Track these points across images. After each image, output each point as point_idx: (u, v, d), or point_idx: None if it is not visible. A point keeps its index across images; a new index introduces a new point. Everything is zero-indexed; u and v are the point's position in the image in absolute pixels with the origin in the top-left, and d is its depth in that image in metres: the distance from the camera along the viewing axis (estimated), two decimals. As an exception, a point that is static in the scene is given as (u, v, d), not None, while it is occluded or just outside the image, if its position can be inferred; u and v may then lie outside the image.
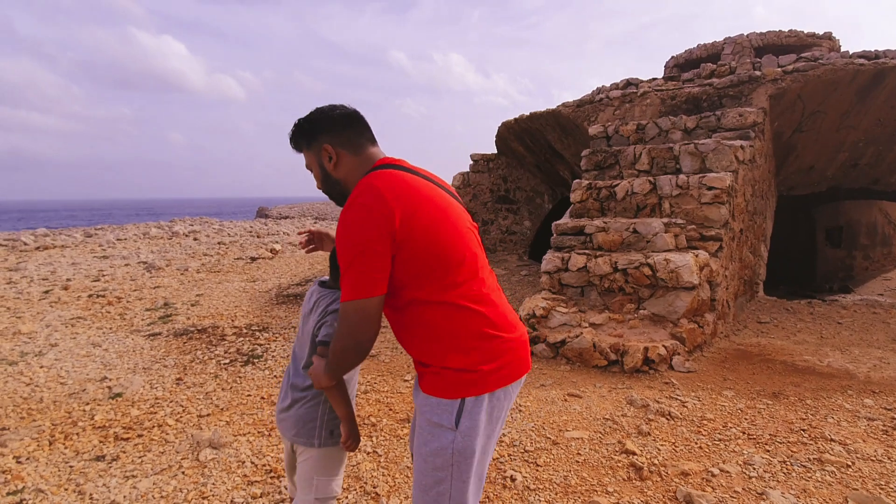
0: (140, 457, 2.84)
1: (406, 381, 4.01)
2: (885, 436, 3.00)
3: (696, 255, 4.69)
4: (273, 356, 4.64)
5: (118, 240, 14.02)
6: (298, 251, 13.09)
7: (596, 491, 2.45)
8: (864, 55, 7.20)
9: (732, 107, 6.38)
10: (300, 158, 1.57)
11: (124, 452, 2.89)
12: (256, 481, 2.57)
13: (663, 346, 4.15)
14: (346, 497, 2.42)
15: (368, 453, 2.83)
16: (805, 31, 9.29)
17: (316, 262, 10.56)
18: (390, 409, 3.43)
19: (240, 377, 4.12)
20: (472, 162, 12.11)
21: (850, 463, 2.67)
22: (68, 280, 7.99)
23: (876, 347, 4.86)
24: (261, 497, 2.43)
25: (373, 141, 1.53)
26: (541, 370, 4.23)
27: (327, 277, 1.70)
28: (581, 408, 3.43)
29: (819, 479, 2.53)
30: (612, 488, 2.47)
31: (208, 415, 3.39)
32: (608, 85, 9.09)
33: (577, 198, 5.83)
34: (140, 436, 3.10)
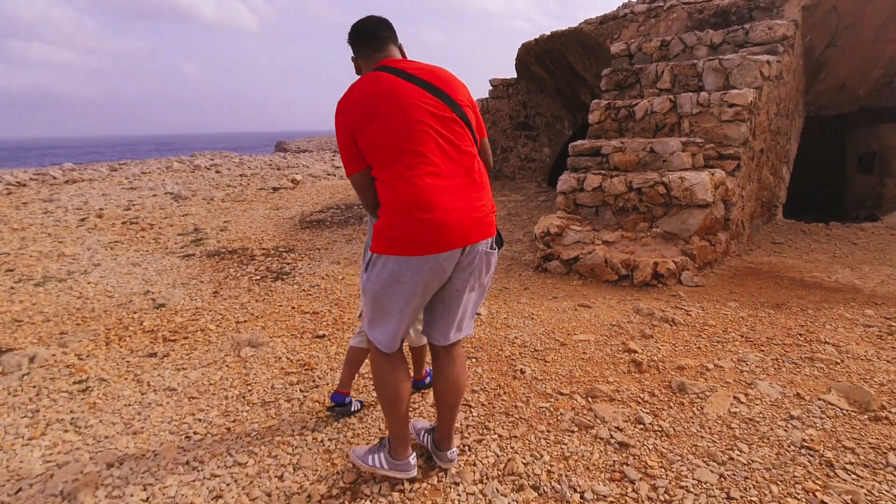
0: (188, 354, 3.18)
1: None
2: (879, 340, 3.16)
3: (713, 174, 4.71)
4: (301, 273, 4.93)
5: (143, 173, 14.35)
6: (320, 181, 13.26)
7: (597, 381, 2.69)
8: (913, -41, 6.67)
9: (762, 19, 6.09)
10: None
11: (173, 351, 3.23)
12: (292, 372, 2.88)
13: (673, 261, 4.28)
14: (371, 384, 2.71)
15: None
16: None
17: (336, 192, 10.75)
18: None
19: (271, 290, 4.43)
20: (491, 87, 11.85)
21: (839, 361, 2.85)
22: (101, 209, 8.35)
23: (887, 265, 4.92)
24: (297, 384, 2.74)
25: (380, 47, 1.83)
26: (554, 284, 4.44)
27: None
28: (590, 316, 3.65)
29: (807, 374, 2.73)
30: (612, 379, 2.71)
31: (245, 321, 3.71)
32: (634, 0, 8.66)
33: (595, 118, 5.78)
34: (185, 338, 3.43)
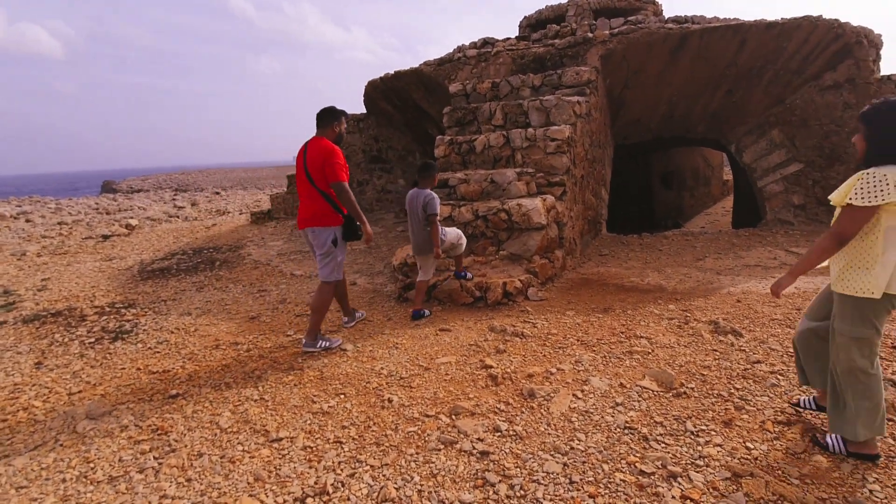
0: (8, 439, 2.75)
1: (288, 335, 4.19)
2: (678, 329, 3.86)
3: (544, 199, 5.36)
4: (145, 329, 4.51)
5: (-77, 227, 11.84)
6: (160, 225, 12.13)
7: (460, 399, 2.91)
8: (675, 20, 8.36)
9: (571, 66, 7.13)
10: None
11: (-14, 439, 2.77)
12: (143, 440, 2.65)
13: (519, 280, 4.77)
14: (238, 437, 2.61)
15: (256, 401, 3.02)
16: (633, -4, 10.46)
17: (181, 236, 9.95)
18: (274, 363, 3.61)
19: (110, 353, 3.98)
20: (341, 122, 11.98)
21: (650, 351, 3.44)
22: None
23: (683, 266, 5.99)
24: (150, 452, 2.53)
25: (317, 128, 3.88)
26: (416, 312, 4.64)
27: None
28: (450, 338, 3.90)
29: (627, 365, 3.25)
30: (472, 395, 2.95)
31: (79, 391, 3.31)
32: (467, 44, 9.51)
33: (440, 153, 6.22)
34: (4, 420, 2.96)
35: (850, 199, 2.01)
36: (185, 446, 2.56)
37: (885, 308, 2.06)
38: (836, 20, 7.25)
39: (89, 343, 4.23)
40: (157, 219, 13.80)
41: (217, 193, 27.91)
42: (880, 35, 7.78)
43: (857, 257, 2.08)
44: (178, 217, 14.44)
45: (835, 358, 2.19)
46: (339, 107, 3.94)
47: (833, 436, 2.26)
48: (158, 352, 3.98)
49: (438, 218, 4.36)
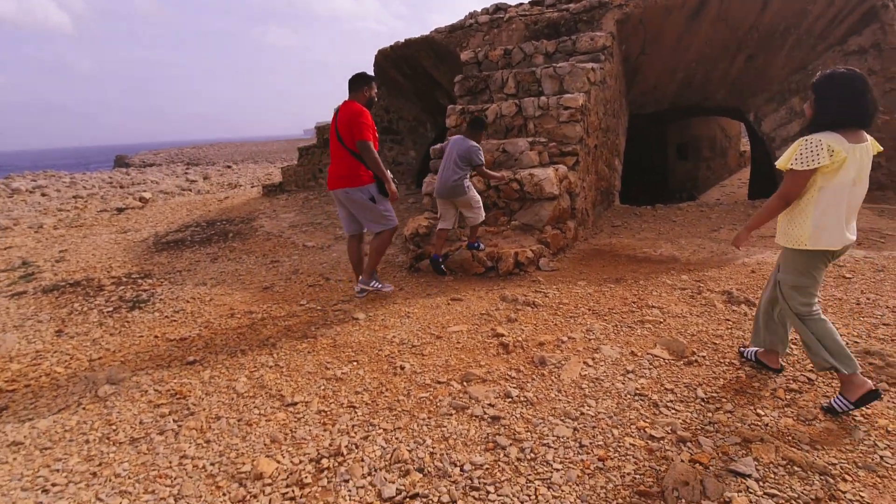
0: (32, 403, 2.84)
1: (301, 304, 4.23)
2: (690, 299, 3.84)
3: (557, 169, 5.29)
4: (161, 299, 4.59)
5: (-57, 201, 12.05)
6: (174, 198, 12.22)
7: (471, 366, 2.94)
8: (695, -18, 8.03)
9: (586, 31, 6.93)
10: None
11: (13, 402, 2.86)
12: (162, 403, 2.72)
13: (530, 250, 4.75)
14: (254, 401, 2.68)
15: (271, 367, 3.07)
16: (651, -42, 10.07)
17: (195, 208, 10.02)
18: (288, 331, 3.67)
19: (128, 322, 4.07)
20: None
21: (662, 320, 3.43)
22: None
23: (697, 237, 5.92)
24: (169, 415, 2.61)
25: (349, 93, 4.07)
26: (427, 282, 4.67)
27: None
28: (462, 308, 3.92)
29: (639, 334, 3.25)
30: (483, 363, 2.98)
31: (99, 358, 3.39)
32: (479, 10, 9.27)
33: (451, 122, 6.14)
34: (27, 386, 3.06)
35: (791, 164, 2.19)
36: (204, 410, 2.63)
37: (821, 260, 2.30)
38: (865, -20, 6.93)
39: (107, 312, 4.32)
40: (170, 192, 13.90)
41: (228, 167, 27.97)
42: (910, -4, 7.43)
43: (795, 214, 2.29)
44: (190, 190, 14.53)
45: (782, 305, 2.44)
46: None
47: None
48: (175, 320, 4.06)
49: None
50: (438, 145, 4.76)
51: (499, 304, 3.97)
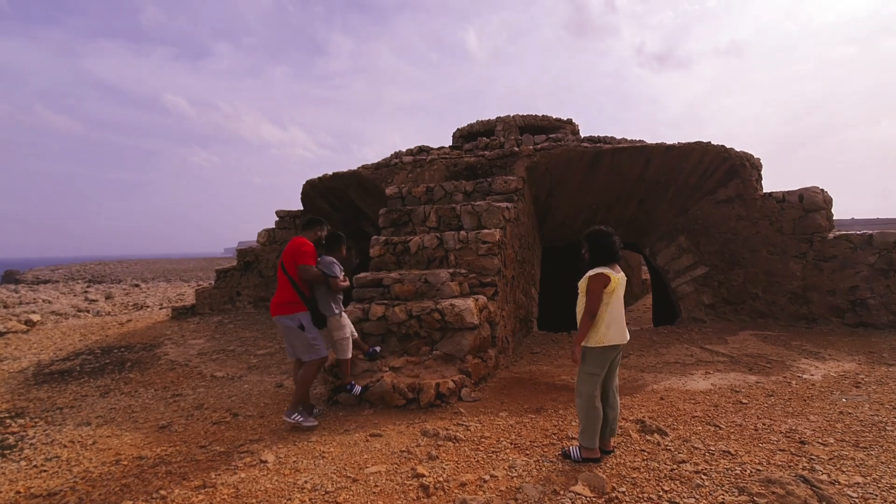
0: None
1: (202, 446, 3.83)
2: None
3: (476, 300, 5.49)
4: (32, 444, 3.97)
5: None
6: (67, 320, 11.13)
7: (389, 514, 2.73)
8: (590, 139, 9.37)
9: (500, 175, 7.70)
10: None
11: None
12: (12, 583, 2.25)
13: (452, 380, 4.72)
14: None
15: (157, 526, 2.68)
16: (554, 116, 11.67)
17: (90, 332, 9.16)
18: (183, 479, 3.26)
19: (-16, 474, 3.45)
20: (277, 218, 11.99)
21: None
22: None
23: (610, 364, 6.19)
24: None
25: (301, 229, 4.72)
26: (345, 416, 4.43)
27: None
28: (381, 445, 3.73)
29: (560, 470, 3.21)
30: (402, 509, 2.78)
31: (-63, 524, 2.80)
32: (404, 150, 10.09)
33: (376, 252, 6.32)
34: None
35: (588, 286, 3.25)
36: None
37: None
38: (723, 146, 8.43)
39: (-40, 462, 3.65)
40: (64, 313, 12.69)
41: (136, 286, 26.30)
42: (759, 158, 9.08)
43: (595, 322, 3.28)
44: (88, 312, 13.36)
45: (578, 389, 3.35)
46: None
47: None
48: (45, 470, 3.50)
49: (372, 315, 4.49)
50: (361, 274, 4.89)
51: (420, 439, 3.82)
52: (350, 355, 4.71)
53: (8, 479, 3.38)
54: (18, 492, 3.17)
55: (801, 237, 8.31)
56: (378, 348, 4.87)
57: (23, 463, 3.63)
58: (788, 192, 8.52)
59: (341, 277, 4.54)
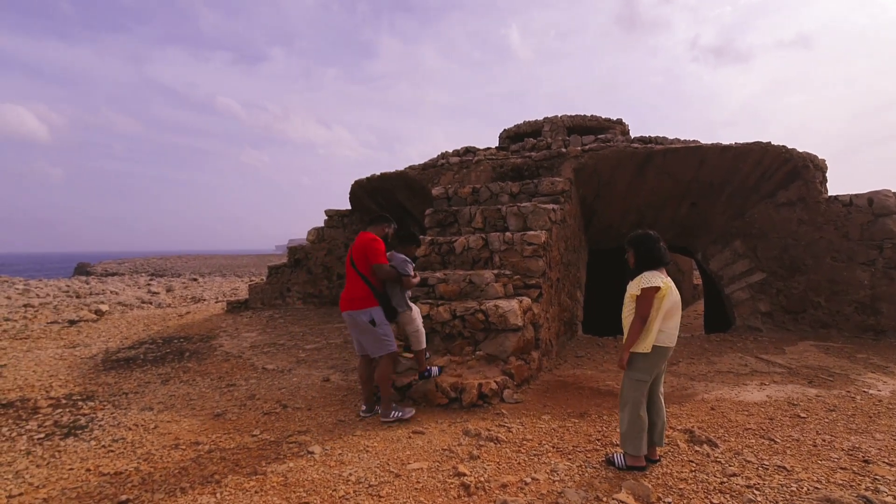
0: (-71, 550, 2.50)
1: (253, 435, 4.01)
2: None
3: (521, 301, 5.47)
4: (101, 425, 4.27)
5: None
6: (132, 311, 11.84)
7: (430, 510, 2.78)
8: (641, 139, 9.13)
9: (547, 176, 7.62)
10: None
11: None
12: (84, 552, 2.44)
13: (494, 381, 4.73)
14: (188, 552, 2.42)
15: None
16: (603, 116, 11.43)
17: (153, 323, 9.71)
18: (236, 465, 3.43)
19: (59, 451, 3.74)
20: (326, 217, 12.32)
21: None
22: None
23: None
24: (89, 567, 2.32)
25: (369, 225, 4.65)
26: (389, 413, 4.51)
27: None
28: (423, 442, 3.78)
29: (603, 476, 3.17)
30: (443, 506, 2.82)
31: (20, 494, 3.06)
32: (450, 151, 10.15)
33: (421, 252, 6.40)
34: (-73, 528, 2.70)
35: (641, 289, 3.18)
36: None
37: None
38: (784, 146, 8.01)
39: (38, 439, 3.98)
40: (130, 304, 13.51)
41: (194, 280, 27.62)
42: (824, 160, 8.58)
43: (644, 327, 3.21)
44: (150, 303, 14.16)
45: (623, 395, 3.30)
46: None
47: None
48: (112, 451, 3.75)
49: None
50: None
51: (461, 438, 3.85)
52: (424, 345, 4.77)
53: (80, 457, 3.65)
54: (89, 469, 3.43)
55: (869, 243, 7.80)
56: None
57: (92, 443, 3.91)
58: (856, 196, 8.01)
59: (413, 275, 4.65)
